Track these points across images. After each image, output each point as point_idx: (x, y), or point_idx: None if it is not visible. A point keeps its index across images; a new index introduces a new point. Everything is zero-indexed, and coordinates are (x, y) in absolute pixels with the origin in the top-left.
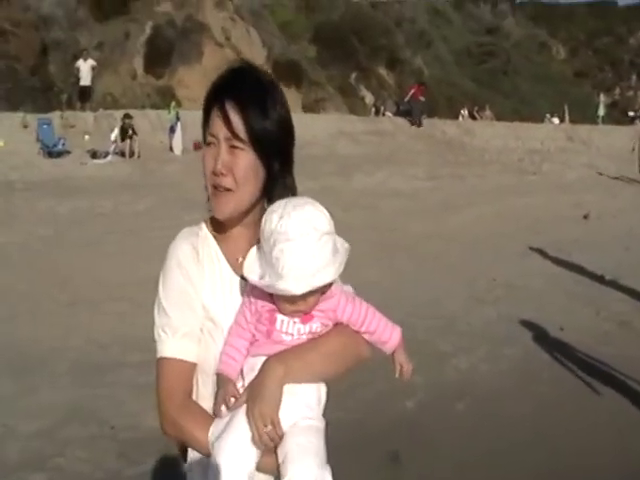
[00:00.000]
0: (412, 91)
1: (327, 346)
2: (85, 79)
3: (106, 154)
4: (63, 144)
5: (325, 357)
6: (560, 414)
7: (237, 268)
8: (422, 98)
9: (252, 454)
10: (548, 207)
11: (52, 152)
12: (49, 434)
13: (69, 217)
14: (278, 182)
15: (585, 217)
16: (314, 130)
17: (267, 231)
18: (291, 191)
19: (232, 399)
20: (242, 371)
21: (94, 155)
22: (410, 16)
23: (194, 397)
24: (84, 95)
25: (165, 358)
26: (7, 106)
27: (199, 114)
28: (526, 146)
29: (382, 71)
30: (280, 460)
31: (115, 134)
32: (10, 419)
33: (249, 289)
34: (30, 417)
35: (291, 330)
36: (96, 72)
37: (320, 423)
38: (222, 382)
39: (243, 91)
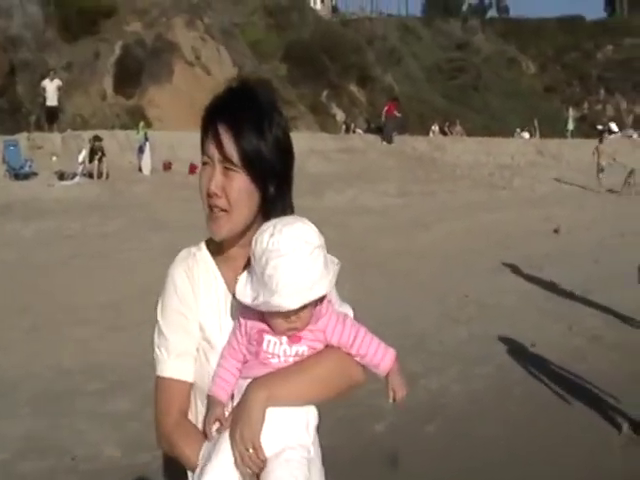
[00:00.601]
0: (386, 108)
1: (314, 369)
2: (51, 99)
3: (74, 175)
4: (30, 166)
5: (312, 380)
6: (533, 431)
7: (234, 288)
8: (397, 114)
9: (235, 478)
10: (519, 222)
11: (19, 174)
12: (6, 467)
13: (35, 240)
14: (276, 203)
15: (555, 231)
16: None
17: (258, 251)
18: (290, 212)
19: (217, 423)
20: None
21: (61, 177)
22: (381, 33)
23: (192, 414)
24: (51, 116)
25: (162, 377)
26: None
27: (169, 134)
28: (496, 161)
29: (353, 88)
30: None
31: (83, 155)
32: None
33: (240, 310)
34: None
35: (277, 351)
36: (62, 92)
37: (306, 453)
38: (211, 404)
39: (237, 113)
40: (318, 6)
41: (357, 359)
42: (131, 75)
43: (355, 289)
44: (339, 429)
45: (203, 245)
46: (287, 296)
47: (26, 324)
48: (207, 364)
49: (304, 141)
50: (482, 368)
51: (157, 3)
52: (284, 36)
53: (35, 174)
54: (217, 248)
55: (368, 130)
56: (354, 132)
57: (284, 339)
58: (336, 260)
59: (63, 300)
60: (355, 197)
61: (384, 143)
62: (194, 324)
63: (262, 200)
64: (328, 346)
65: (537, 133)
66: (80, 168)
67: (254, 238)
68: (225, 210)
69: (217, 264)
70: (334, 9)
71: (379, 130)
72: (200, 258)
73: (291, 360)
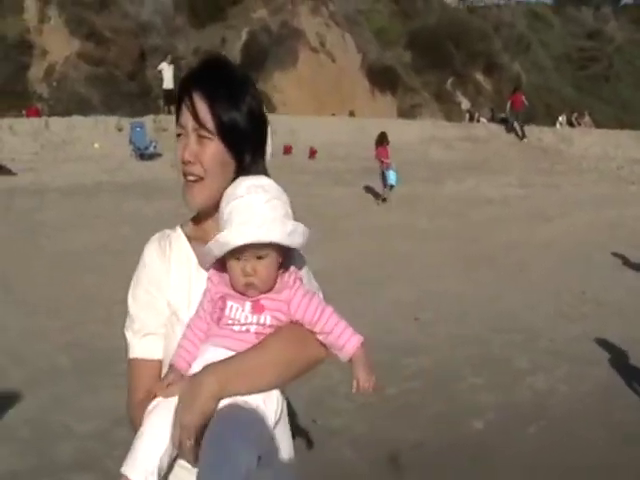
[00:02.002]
0: (510, 101)
1: (272, 353)
2: (168, 82)
3: None
4: (155, 147)
5: (269, 366)
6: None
7: None
8: (525, 102)
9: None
10: None
11: (144, 154)
12: (104, 435)
13: (154, 218)
14: (250, 172)
15: None
16: (407, 135)
17: (222, 202)
18: None
19: (165, 386)
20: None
21: None
22: (509, 21)
23: None
24: (169, 98)
25: (131, 359)
26: (105, 110)
27: (290, 119)
28: (626, 155)
29: (479, 77)
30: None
31: None
32: (69, 418)
33: (208, 277)
34: (88, 417)
35: (238, 317)
36: (178, 77)
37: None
38: (169, 371)
39: (212, 82)
40: None
41: (321, 337)
42: (256, 61)
43: (465, 281)
44: (434, 423)
45: (178, 227)
46: (234, 232)
47: None
48: (174, 336)
49: (426, 128)
50: (592, 370)
51: None
52: (409, 23)
53: (159, 155)
54: (192, 228)
55: (492, 120)
56: (478, 121)
57: (247, 306)
58: (305, 227)
59: None
60: (475, 186)
61: (511, 134)
62: (162, 302)
63: (237, 170)
64: (290, 322)
65: None
66: None
67: None
68: (200, 178)
69: (191, 244)
70: None
71: (504, 121)
72: (174, 238)
73: (253, 329)
